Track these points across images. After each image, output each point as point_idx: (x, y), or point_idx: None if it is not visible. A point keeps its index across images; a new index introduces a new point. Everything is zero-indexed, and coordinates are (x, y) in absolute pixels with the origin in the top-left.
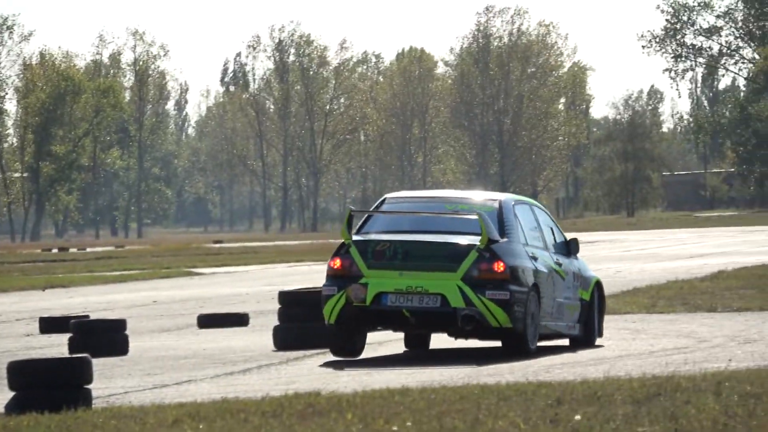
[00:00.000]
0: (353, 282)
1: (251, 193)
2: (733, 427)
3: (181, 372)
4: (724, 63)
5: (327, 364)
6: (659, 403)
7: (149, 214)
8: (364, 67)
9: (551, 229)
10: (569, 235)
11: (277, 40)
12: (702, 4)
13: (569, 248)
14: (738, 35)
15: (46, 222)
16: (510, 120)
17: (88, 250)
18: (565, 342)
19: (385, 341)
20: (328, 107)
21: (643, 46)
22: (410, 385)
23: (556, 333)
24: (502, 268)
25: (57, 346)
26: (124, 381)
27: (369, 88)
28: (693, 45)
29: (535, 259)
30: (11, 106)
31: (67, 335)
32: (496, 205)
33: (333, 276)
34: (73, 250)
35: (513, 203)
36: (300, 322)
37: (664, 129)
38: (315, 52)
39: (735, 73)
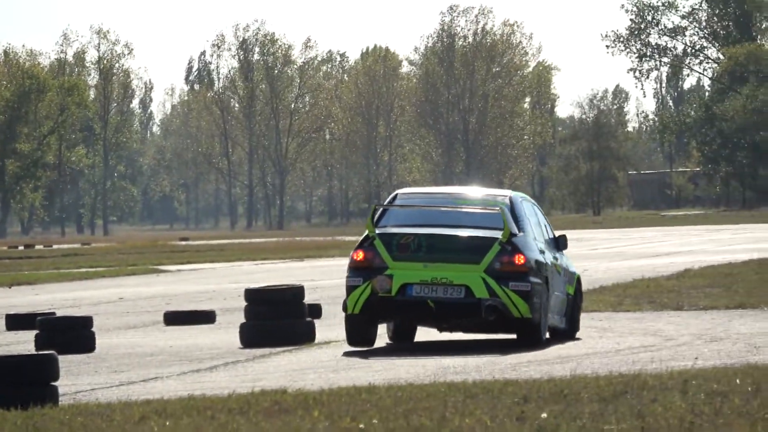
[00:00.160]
0: (377, 273)
1: (217, 191)
2: (699, 425)
3: (147, 369)
4: (689, 63)
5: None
6: (626, 401)
7: (115, 212)
8: (329, 65)
9: (545, 225)
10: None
11: (241, 39)
12: (666, 4)
13: (558, 244)
14: (702, 35)
15: (12, 219)
16: (475, 119)
17: (55, 247)
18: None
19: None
20: (293, 106)
21: (608, 46)
22: (377, 382)
23: (553, 326)
24: (522, 261)
25: (23, 343)
26: (91, 378)
27: (334, 87)
28: (657, 45)
29: (543, 253)
30: None
31: (34, 332)
32: (507, 200)
33: (356, 268)
34: (39, 247)
35: (520, 199)
36: (266, 320)
37: (630, 128)
38: (279, 51)
39: (700, 73)
